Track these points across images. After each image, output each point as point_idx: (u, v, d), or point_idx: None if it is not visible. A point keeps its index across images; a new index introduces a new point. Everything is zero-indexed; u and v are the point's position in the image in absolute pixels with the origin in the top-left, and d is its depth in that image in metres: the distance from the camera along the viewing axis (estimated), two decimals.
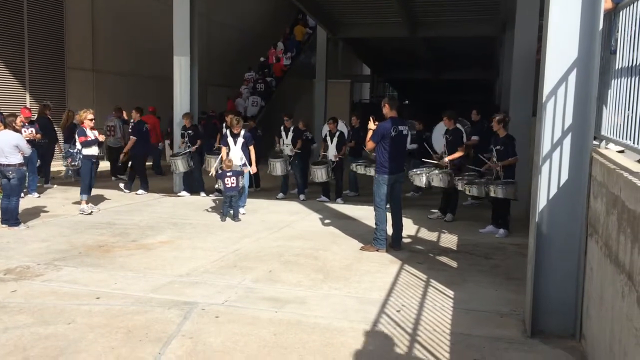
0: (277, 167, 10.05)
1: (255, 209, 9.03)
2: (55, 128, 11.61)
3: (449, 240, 7.15)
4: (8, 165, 7.10)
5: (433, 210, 8.82)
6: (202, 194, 10.43)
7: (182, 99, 10.94)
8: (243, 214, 8.48)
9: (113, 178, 12.27)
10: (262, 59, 21.10)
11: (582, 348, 3.77)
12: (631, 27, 3.29)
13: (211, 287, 4.96)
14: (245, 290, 4.92)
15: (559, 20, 3.88)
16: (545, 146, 3.98)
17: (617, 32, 3.66)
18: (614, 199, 3.02)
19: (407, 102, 33.93)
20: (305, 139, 10.57)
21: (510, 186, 7.09)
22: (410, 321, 4.24)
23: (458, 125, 8.77)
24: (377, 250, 6.38)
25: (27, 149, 7.46)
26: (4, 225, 7.17)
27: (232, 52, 20.83)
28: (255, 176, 10.98)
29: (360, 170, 9.88)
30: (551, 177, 3.98)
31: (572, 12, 3.86)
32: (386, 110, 6.44)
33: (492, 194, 7.19)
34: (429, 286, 5.14)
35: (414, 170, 8.57)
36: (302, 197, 10.21)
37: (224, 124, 10.29)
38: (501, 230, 7.39)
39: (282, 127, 10.48)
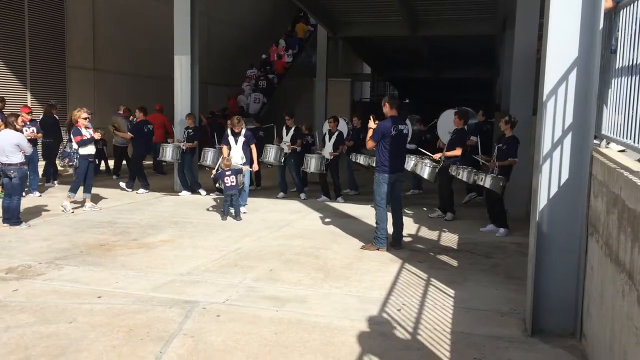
0: (272, 153, 10.01)
1: (255, 207, 9.03)
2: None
3: (450, 239, 7.16)
4: (9, 164, 7.11)
5: (434, 209, 8.82)
6: (203, 192, 10.44)
7: (182, 98, 10.93)
8: (244, 212, 8.49)
9: (114, 177, 12.28)
10: (263, 56, 21.11)
11: (583, 347, 3.78)
12: (631, 26, 3.30)
13: (212, 286, 4.97)
14: (246, 289, 4.93)
15: (559, 19, 3.88)
16: (546, 145, 3.98)
17: (618, 31, 3.66)
18: (615, 198, 3.02)
19: (407, 100, 33.92)
20: (306, 143, 10.57)
21: (498, 179, 7.13)
22: (410, 320, 4.25)
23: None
24: (378, 249, 6.38)
25: (28, 148, 7.47)
26: (5, 225, 7.18)
27: (232, 50, 20.83)
28: (256, 175, 10.99)
29: (360, 160, 9.90)
30: (551, 176, 3.99)
31: (573, 11, 3.86)
32: (386, 109, 6.44)
33: (479, 182, 7.32)
34: (429, 285, 5.15)
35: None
36: (302, 196, 10.22)
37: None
38: (501, 229, 7.40)
39: (284, 127, 10.49)
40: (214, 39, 19.45)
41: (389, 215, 6.51)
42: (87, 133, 8.30)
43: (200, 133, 10.79)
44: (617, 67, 3.64)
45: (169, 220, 7.97)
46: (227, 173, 8.12)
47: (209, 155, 9.88)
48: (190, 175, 10.44)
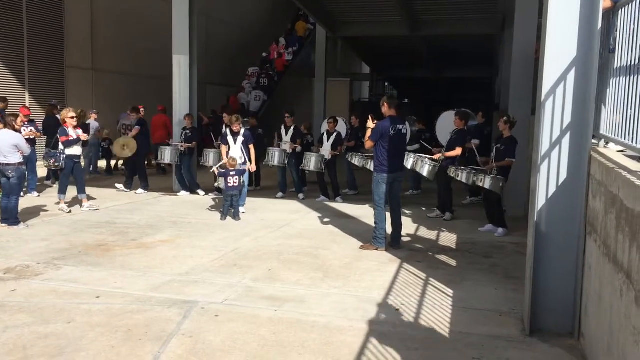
0: (276, 156, 10.01)
1: (254, 207, 9.03)
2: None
3: (448, 239, 7.16)
4: (7, 164, 7.10)
5: (432, 209, 8.83)
6: (201, 192, 10.43)
7: (181, 98, 10.92)
8: (243, 212, 8.48)
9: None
10: (264, 54, 21.12)
11: (581, 347, 3.78)
12: (630, 26, 3.30)
13: (211, 286, 4.96)
14: (245, 289, 4.93)
15: (558, 19, 3.88)
16: (544, 145, 3.98)
17: (616, 30, 3.67)
18: (613, 198, 3.02)
19: (406, 100, 33.94)
20: (306, 143, 10.57)
21: (497, 180, 7.12)
22: (409, 320, 4.25)
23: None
24: (377, 249, 6.38)
25: (27, 149, 7.46)
26: (3, 225, 7.17)
27: (231, 49, 20.82)
28: (255, 175, 10.98)
29: (355, 161, 9.87)
30: (550, 176, 3.99)
31: (571, 11, 3.86)
32: (385, 109, 6.45)
33: (478, 183, 7.28)
34: (428, 285, 5.15)
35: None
36: (301, 195, 10.22)
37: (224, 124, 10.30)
38: (500, 229, 7.40)
39: (282, 126, 10.47)
40: (213, 39, 19.43)
41: (388, 215, 6.51)
42: (73, 133, 8.23)
43: (198, 133, 10.78)
44: (615, 66, 3.64)
45: (168, 220, 7.96)
46: (232, 173, 8.11)
47: (210, 156, 9.89)
48: (189, 176, 10.44)
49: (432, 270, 5.64)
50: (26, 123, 9.61)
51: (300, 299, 4.69)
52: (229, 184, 8.08)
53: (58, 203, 8.45)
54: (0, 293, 4.67)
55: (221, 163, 8.47)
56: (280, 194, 10.36)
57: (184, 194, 10.38)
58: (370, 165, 9.55)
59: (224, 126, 10.19)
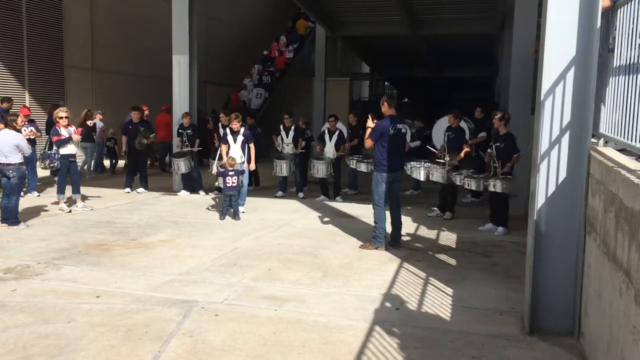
0: (283, 168, 9.99)
1: (254, 207, 9.03)
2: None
3: (448, 238, 7.16)
4: (8, 164, 7.10)
5: (432, 208, 8.83)
6: (202, 192, 10.44)
7: (181, 98, 10.93)
8: (243, 212, 8.49)
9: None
10: (265, 52, 21.14)
11: (581, 346, 3.78)
12: (629, 25, 3.30)
13: (211, 286, 4.97)
14: (244, 288, 4.93)
15: (557, 19, 3.89)
16: (544, 144, 3.98)
17: (615, 30, 3.67)
18: (612, 197, 3.03)
19: (406, 100, 33.93)
20: (306, 137, 10.57)
21: (507, 181, 7.13)
22: (409, 319, 4.25)
23: (461, 124, 8.81)
24: (377, 249, 6.39)
25: (28, 149, 7.46)
26: (3, 225, 7.18)
27: (231, 49, 20.83)
28: (255, 174, 10.98)
29: (353, 164, 9.85)
30: (549, 175, 4.00)
31: (570, 10, 3.86)
32: (385, 108, 6.45)
33: (491, 189, 7.23)
34: (428, 284, 5.15)
35: (414, 163, 8.59)
36: (301, 195, 10.22)
37: (220, 123, 10.30)
38: (500, 228, 7.40)
39: (281, 126, 10.46)
40: (213, 38, 19.43)
41: (388, 214, 6.51)
42: (65, 133, 8.20)
43: (198, 130, 10.80)
44: (614, 65, 3.64)
45: (168, 220, 7.97)
46: (230, 173, 8.11)
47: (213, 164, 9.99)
48: (197, 174, 10.44)
49: (432, 269, 5.64)
50: (26, 123, 9.61)
51: (300, 298, 4.70)
52: (228, 184, 8.08)
53: (57, 203, 8.46)
54: (1, 293, 4.67)
55: (220, 162, 8.46)
56: (280, 193, 10.37)
57: (184, 193, 10.38)
58: (362, 167, 9.58)
59: (220, 125, 10.23)
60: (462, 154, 8.22)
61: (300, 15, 22.06)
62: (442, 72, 26.94)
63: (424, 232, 7.52)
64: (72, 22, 14.92)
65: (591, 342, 3.51)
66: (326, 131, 10.33)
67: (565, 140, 3.95)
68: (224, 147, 8.53)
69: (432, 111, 13.55)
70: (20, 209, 7.44)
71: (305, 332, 3.97)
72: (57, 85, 14.66)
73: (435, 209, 8.74)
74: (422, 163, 8.55)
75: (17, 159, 7.18)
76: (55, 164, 8.14)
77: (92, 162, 12.93)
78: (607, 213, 3.16)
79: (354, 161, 9.83)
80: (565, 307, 4.00)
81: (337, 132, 10.18)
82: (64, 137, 8.15)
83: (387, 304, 4.57)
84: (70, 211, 8.28)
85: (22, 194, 8.13)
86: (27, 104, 12.99)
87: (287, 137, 10.30)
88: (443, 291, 4.95)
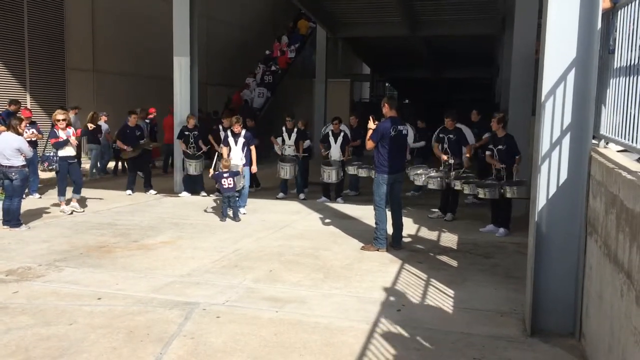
0: (288, 171, 9.97)
1: (255, 208, 9.04)
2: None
3: (449, 239, 7.16)
4: (10, 166, 7.12)
5: (433, 210, 8.83)
6: (203, 193, 10.44)
7: (182, 99, 10.94)
8: (244, 213, 8.50)
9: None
10: (267, 52, 21.19)
11: (582, 347, 3.78)
12: (629, 27, 3.31)
13: (212, 287, 4.97)
14: (246, 290, 4.94)
15: (558, 20, 3.89)
16: (545, 145, 3.99)
17: (616, 31, 3.68)
18: (613, 198, 3.03)
19: (407, 101, 33.92)
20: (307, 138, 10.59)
21: (521, 183, 7.07)
22: (410, 320, 4.25)
23: (458, 125, 8.79)
24: (378, 250, 6.39)
25: (29, 152, 7.47)
26: (5, 227, 7.19)
27: (232, 50, 20.85)
28: (254, 176, 10.98)
29: (353, 170, 9.80)
30: (550, 176, 4.00)
31: (571, 12, 3.87)
32: (386, 109, 6.46)
33: (508, 195, 7.07)
34: (429, 285, 5.16)
35: (415, 170, 8.58)
36: (302, 196, 10.22)
37: (220, 126, 10.33)
38: (501, 230, 7.40)
39: (283, 128, 10.46)
40: (213, 39, 19.45)
41: (389, 215, 6.52)
42: (63, 135, 8.19)
43: (204, 129, 10.87)
44: (615, 67, 3.65)
45: (169, 221, 7.97)
46: (225, 175, 8.10)
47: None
48: (200, 176, 10.49)
49: (433, 270, 5.64)
50: (28, 125, 9.62)
51: (302, 299, 4.70)
52: (224, 186, 8.07)
53: (58, 205, 8.47)
54: (3, 295, 4.68)
55: (214, 164, 8.47)
56: (281, 195, 10.37)
57: (185, 195, 10.39)
58: (362, 172, 9.56)
59: (221, 127, 10.27)
60: (469, 154, 8.25)
61: (302, 15, 22.09)
62: (442, 73, 26.93)
63: (425, 233, 7.52)
64: (73, 24, 14.95)
65: (592, 344, 3.51)
66: (330, 133, 10.31)
67: (566, 141, 3.95)
68: (224, 149, 8.54)
69: (433, 112, 13.54)
70: (21, 210, 7.44)
71: (307, 333, 3.98)
72: (58, 87, 14.69)
73: (436, 210, 8.74)
74: (423, 170, 8.53)
75: (19, 161, 7.19)
76: (54, 166, 8.14)
77: (97, 164, 13.01)
78: (608, 214, 3.16)
79: (354, 167, 9.77)
80: (567, 308, 4.01)
81: (341, 134, 10.17)
82: (61, 140, 8.15)
83: (389, 306, 4.57)
84: (71, 213, 8.29)
85: (23, 195, 8.14)
86: (29, 106, 13.00)
87: (289, 139, 10.30)
88: (444, 292, 4.95)
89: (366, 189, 10.28)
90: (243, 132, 8.58)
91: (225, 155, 8.46)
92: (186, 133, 10.37)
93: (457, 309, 4.54)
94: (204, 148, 10.39)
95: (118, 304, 4.53)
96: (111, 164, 13.76)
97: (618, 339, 2.83)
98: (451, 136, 8.45)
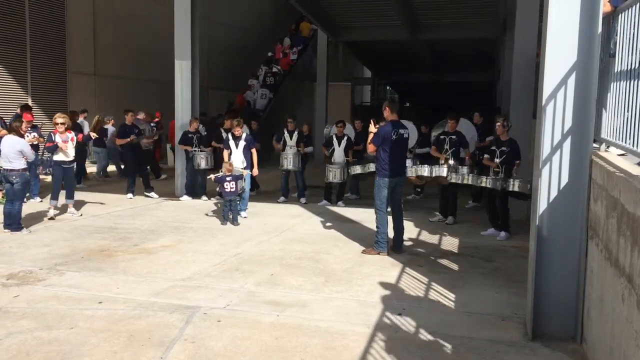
0: (337, 174, 9.88)
1: (256, 212, 9.04)
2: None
3: (450, 243, 7.16)
4: (12, 170, 7.13)
5: (435, 213, 8.82)
6: (204, 197, 10.45)
7: (183, 103, 10.96)
8: (245, 217, 8.50)
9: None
10: (269, 53, 21.25)
11: (584, 351, 3.77)
12: (630, 30, 3.31)
13: (213, 291, 4.97)
14: (247, 294, 4.94)
15: (558, 24, 3.90)
16: (545, 149, 3.99)
17: (616, 35, 3.68)
18: (614, 202, 3.03)
19: (408, 104, 33.96)
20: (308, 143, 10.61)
21: (526, 181, 7.08)
22: (411, 324, 4.25)
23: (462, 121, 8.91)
24: (379, 254, 6.38)
25: (31, 155, 7.48)
26: (6, 230, 7.19)
27: (233, 53, 20.89)
28: (254, 178, 10.98)
29: (359, 170, 9.77)
30: (551, 180, 4.00)
31: (571, 16, 3.87)
32: (387, 113, 6.47)
33: (511, 188, 7.10)
34: (430, 289, 5.15)
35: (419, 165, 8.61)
36: (303, 200, 10.22)
37: (222, 128, 10.36)
38: (502, 233, 7.39)
39: (284, 130, 10.47)
40: (215, 43, 19.49)
41: (390, 219, 6.51)
42: (58, 139, 8.14)
43: (208, 133, 10.91)
44: (616, 70, 3.65)
45: (170, 225, 7.98)
46: (228, 179, 8.10)
47: (202, 161, 10.12)
48: (202, 179, 10.49)
49: (434, 274, 5.63)
50: (29, 129, 9.64)
51: (302, 303, 4.70)
52: (226, 189, 8.07)
53: (49, 209, 8.36)
54: (4, 299, 4.68)
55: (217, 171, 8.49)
56: (282, 198, 10.37)
57: (185, 198, 10.39)
58: (372, 167, 9.54)
59: (222, 130, 10.30)
60: (468, 157, 8.28)
61: (304, 17, 22.19)
62: (443, 76, 26.98)
63: (426, 237, 7.52)
64: (75, 28, 14.99)
65: (594, 348, 3.50)
66: (334, 137, 10.32)
67: (567, 145, 3.95)
68: (225, 152, 8.55)
69: (434, 115, 13.56)
70: (22, 214, 7.45)
71: (307, 337, 3.97)
72: (60, 91, 14.72)
73: (438, 213, 8.73)
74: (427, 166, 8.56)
75: (20, 164, 7.20)
76: (47, 170, 8.14)
77: (101, 167, 13.10)
78: (609, 218, 3.16)
79: (361, 167, 9.73)
80: (568, 312, 4.00)
81: (345, 138, 10.17)
82: (52, 144, 8.11)
83: (389, 309, 4.57)
84: (81, 215, 8.34)
85: (24, 199, 8.14)
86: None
87: (290, 139, 10.32)
88: (445, 296, 4.94)
89: (367, 193, 10.27)
90: (244, 135, 8.59)
91: (226, 159, 8.46)
92: (190, 135, 10.40)
93: (458, 312, 4.53)
94: (209, 148, 10.42)
95: (119, 308, 4.52)
96: (112, 167, 13.80)
97: (619, 343, 2.82)
98: (453, 137, 8.45)
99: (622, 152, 3.60)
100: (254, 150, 8.63)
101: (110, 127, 12.93)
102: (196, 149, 10.28)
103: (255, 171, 8.78)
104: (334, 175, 9.84)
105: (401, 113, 6.85)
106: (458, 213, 8.61)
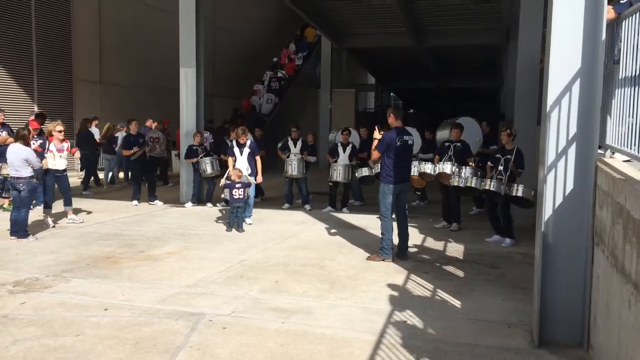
0: (340, 173, 9.89)
1: (261, 219, 9.05)
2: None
3: (455, 249, 7.14)
4: (19, 177, 7.18)
5: (440, 219, 8.81)
6: (209, 204, 10.47)
7: (188, 111, 11.02)
8: (249, 224, 8.51)
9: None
10: (275, 59, 21.34)
11: (590, 358, 3.76)
12: (634, 37, 3.32)
13: (218, 298, 4.98)
14: (252, 300, 4.94)
15: (563, 30, 3.91)
16: (550, 156, 3.99)
17: (620, 41, 3.68)
18: (620, 209, 3.02)
19: (411, 110, 34.01)
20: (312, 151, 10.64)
21: (529, 188, 7.08)
22: (416, 331, 4.24)
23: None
24: (383, 260, 6.38)
25: (37, 163, 7.52)
26: (13, 237, 7.23)
27: (237, 61, 21.00)
28: (258, 185, 11.00)
29: (366, 172, 9.72)
30: (556, 186, 3.99)
31: (575, 22, 3.89)
32: (391, 120, 6.48)
33: (514, 193, 7.12)
34: (435, 296, 5.14)
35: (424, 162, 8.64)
36: (307, 207, 10.23)
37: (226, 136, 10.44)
38: (507, 240, 7.38)
39: (289, 138, 10.53)
40: (220, 50, 19.61)
41: (395, 225, 6.51)
42: (53, 147, 8.14)
43: (214, 143, 11.01)
44: (620, 77, 3.65)
45: (175, 232, 8.00)
46: (237, 185, 8.12)
47: (208, 167, 10.16)
48: (211, 186, 10.53)
49: (439, 280, 5.62)
50: (35, 137, 9.70)
51: (307, 310, 4.70)
52: (234, 196, 8.09)
53: (65, 215, 8.48)
54: (10, 306, 4.70)
55: (227, 175, 8.48)
56: (286, 205, 10.38)
57: (190, 205, 10.42)
58: (377, 168, 9.53)
59: (226, 137, 10.37)
60: (472, 163, 8.29)
61: (309, 23, 22.33)
62: (447, 83, 26.99)
63: (431, 243, 7.51)
64: (81, 36, 15.11)
65: (600, 354, 3.49)
66: (339, 144, 10.36)
67: (572, 151, 3.95)
68: (230, 160, 8.58)
69: (438, 122, 13.57)
70: (29, 221, 7.49)
71: (312, 344, 3.97)
72: (66, 99, 14.82)
73: (442, 220, 8.72)
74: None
75: (27, 172, 7.25)
76: (38, 178, 8.08)
77: (110, 174, 13.22)
78: (614, 225, 3.16)
79: (366, 169, 9.72)
80: (574, 319, 3.98)
81: (350, 145, 10.20)
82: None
83: (394, 316, 4.56)
84: (82, 221, 8.37)
85: (31, 207, 8.18)
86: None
87: (294, 147, 10.36)
88: (450, 303, 4.93)
89: (371, 199, 10.28)
90: (248, 142, 8.62)
91: (230, 166, 8.48)
92: (194, 147, 10.43)
93: (463, 319, 4.52)
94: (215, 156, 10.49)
95: (124, 314, 4.54)
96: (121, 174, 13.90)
97: (626, 350, 2.81)
98: (458, 144, 8.45)
99: (627, 158, 3.60)
100: (258, 158, 8.66)
101: (121, 135, 13.02)
102: (202, 156, 10.33)
103: (259, 179, 8.80)
104: (337, 174, 9.85)
105: (405, 119, 6.87)
106: (462, 219, 8.60)
